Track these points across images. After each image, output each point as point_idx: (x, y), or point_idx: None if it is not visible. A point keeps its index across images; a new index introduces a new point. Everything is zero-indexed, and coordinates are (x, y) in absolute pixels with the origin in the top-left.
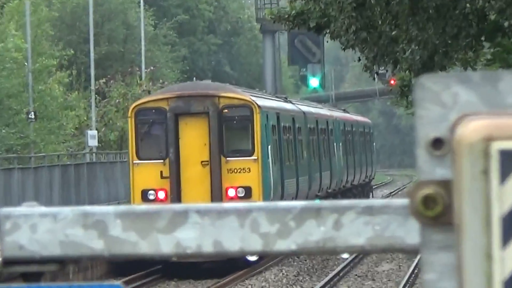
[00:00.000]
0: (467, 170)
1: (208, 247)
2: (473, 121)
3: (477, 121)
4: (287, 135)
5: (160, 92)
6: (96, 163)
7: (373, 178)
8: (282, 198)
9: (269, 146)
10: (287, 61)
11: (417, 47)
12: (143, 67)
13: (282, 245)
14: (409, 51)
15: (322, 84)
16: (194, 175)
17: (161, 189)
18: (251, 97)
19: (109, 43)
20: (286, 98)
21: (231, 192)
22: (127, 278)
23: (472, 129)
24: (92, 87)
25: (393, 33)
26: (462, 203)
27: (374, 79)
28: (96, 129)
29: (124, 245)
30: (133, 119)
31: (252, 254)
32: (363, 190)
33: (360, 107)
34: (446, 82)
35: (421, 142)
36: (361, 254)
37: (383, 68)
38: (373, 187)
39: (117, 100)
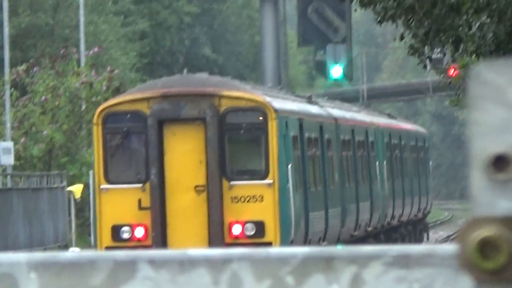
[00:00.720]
0: None
1: None
2: None
3: None
4: (313, 150)
5: (138, 89)
6: (12, 189)
7: (429, 212)
8: (306, 238)
9: (289, 166)
10: (296, 40)
11: (489, 20)
12: (82, 47)
13: None
14: (478, 25)
15: (348, 75)
16: (185, 205)
17: (139, 225)
18: (264, 96)
19: (31, 11)
20: (310, 98)
21: (237, 229)
22: None
23: None
24: (6, 77)
25: None
26: None
27: (425, 67)
28: (12, 140)
29: None
30: (100, 127)
31: None
32: (415, 229)
33: (405, 108)
34: None
35: (477, 160)
36: None
37: (438, 50)
38: (429, 226)
39: (44, 97)
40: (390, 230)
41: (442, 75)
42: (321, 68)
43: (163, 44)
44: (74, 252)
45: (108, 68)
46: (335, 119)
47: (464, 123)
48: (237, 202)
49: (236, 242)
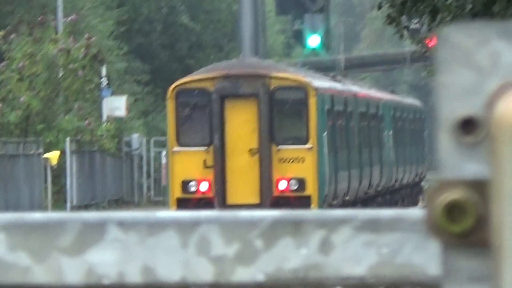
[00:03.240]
0: (510, 165)
1: (134, 276)
2: None
3: None
4: (340, 120)
5: (204, 70)
6: None
7: (425, 177)
8: (335, 194)
9: (324, 134)
10: (274, 9)
11: None
12: (59, 14)
13: (244, 274)
14: None
15: (326, 44)
16: (241, 164)
17: (204, 180)
18: (305, 77)
19: None
20: (334, 76)
21: (283, 185)
22: None
23: None
24: None
25: None
26: (504, 213)
27: (401, 37)
28: None
29: (11, 270)
30: (173, 101)
31: (199, 287)
32: (412, 192)
33: (382, 78)
34: (483, 34)
35: (445, 123)
36: None
37: (416, 20)
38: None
39: (21, 64)
40: (394, 191)
41: (419, 45)
42: (299, 38)
43: (141, 12)
44: (42, 214)
45: (86, 35)
46: (354, 94)
47: None
48: (284, 162)
49: (282, 195)
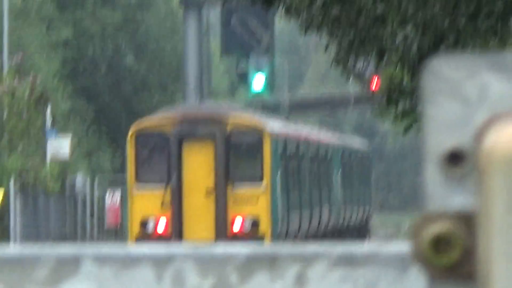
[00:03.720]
0: (501, 197)
1: None
2: (510, 125)
3: None
4: (293, 162)
5: (162, 113)
6: None
7: (371, 217)
8: (287, 233)
9: (278, 175)
10: (219, 49)
11: (414, 31)
12: (4, 54)
13: None
14: (402, 36)
15: (271, 84)
16: (198, 203)
17: (162, 216)
18: (261, 121)
19: None
20: (287, 118)
21: (238, 224)
22: None
23: (508, 136)
24: None
25: (379, 9)
26: (492, 246)
27: (348, 78)
28: None
29: None
30: (132, 143)
31: None
32: (360, 231)
33: (327, 120)
34: (471, 66)
35: (432, 155)
36: None
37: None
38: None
39: None
40: (343, 230)
41: (364, 87)
42: (244, 79)
43: (86, 52)
44: (15, 247)
45: (31, 75)
46: (306, 137)
47: (384, 135)
48: (239, 202)
49: (237, 235)
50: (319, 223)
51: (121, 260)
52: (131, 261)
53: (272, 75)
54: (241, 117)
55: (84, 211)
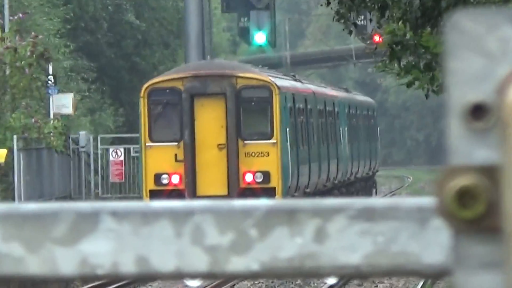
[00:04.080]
0: None
1: (128, 266)
2: None
3: None
4: (301, 117)
5: (174, 71)
6: None
7: (377, 171)
8: (297, 186)
9: (287, 129)
10: (220, 6)
11: None
12: (6, 13)
13: (239, 263)
14: None
15: (272, 41)
16: (210, 158)
17: (175, 173)
18: (270, 77)
19: None
20: (294, 76)
21: (249, 177)
22: None
23: None
24: None
25: None
26: None
27: (350, 33)
28: None
29: (4, 261)
30: (145, 100)
31: (194, 276)
32: (366, 185)
33: (328, 75)
34: (492, 20)
35: (455, 109)
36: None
37: (363, 17)
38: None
39: None
40: (350, 184)
41: (366, 42)
42: (245, 35)
43: (87, 10)
44: (35, 204)
45: (33, 34)
46: (313, 92)
47: (386, 91)
48: (249, 156)
49: (248, 187)
50: (327, 177)
51: (140, 216)
52: (150, 217)
53: (273, 32)
54: (251, 73)
55: (87, 168)
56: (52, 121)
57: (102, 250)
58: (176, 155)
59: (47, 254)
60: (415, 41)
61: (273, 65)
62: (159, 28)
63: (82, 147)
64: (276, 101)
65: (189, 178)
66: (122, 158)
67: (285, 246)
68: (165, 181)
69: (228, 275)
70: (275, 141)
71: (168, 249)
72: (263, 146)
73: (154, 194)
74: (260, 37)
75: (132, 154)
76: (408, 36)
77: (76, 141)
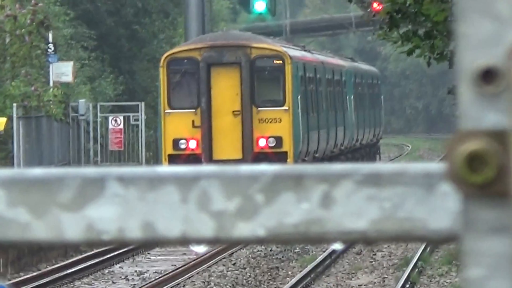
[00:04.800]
0: None
1: (134, 231)
2: None
3: None
4: (311, 85)
5: (192, 42)
6: None
7: (381, 138)
8: (307, 151)
9: (299, 97)
10: None
11: None
12: None
13: (245, 229)
14: None
15: (271, 9)
16: (226, 124)
17: (193, 138)
18: (282, 47)
19: None
20: (304, 47)
21: (262, 142)
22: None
23: None
24: None
25: None
26: None
27: (350, 1)
28: None
29: (10, 226)
30: (164, 69)
31: (199, 242)
32: (371, 150)
33: (328, 43)
34: None
35: (465, 74)
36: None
37: None
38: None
39: None
40: (355, 150)
41: (366, 10)
42: (245, 3)
43: None
44: (41, 169)
45: (32, 2)
46: (322, 62)
47: (385, 59)
48: (263, 122)
49: (262, 151)
50: (335, 143)
51: (146, 181)
52: (156, 182)
53: (273, 0)
54: (264, 43)
55: (87, 136)
56: (51, 89)
57: (108, 215)
58: (193, 121)
59: (53, 219)
60: (415, 9)
61: (273, 33)
62: None
63: (82, 115)
64: (288, 70)
65: (206, 143)
66: (121, 126)
67: (291, 212)
68: (183, 146)
69: (234, 241)
70: (287, 108)
71: (174, 214)
72: (276, 113)
73: (172, 158)
74: (260, 5)
75: (132, 122)
76: (408, 3)
77: (75, 109)
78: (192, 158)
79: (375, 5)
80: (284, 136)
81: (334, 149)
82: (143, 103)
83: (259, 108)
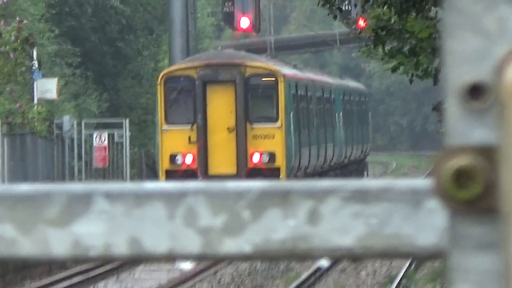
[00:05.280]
0: None
1: (120, 247)
2: None
3: None
4: (303, 103)
5: (188, 60)
6: None
7: (368, 154)
8: (299, 167)
9: (291, 114)
10: None
11: None
12: None
13: (231, 245)
14: None
15: (256, 26)
16: (221, 140)
17: (189, 153)
18: (275, 66)
19: None
20: (295, 65)
21: (256, 158)
22: None
23: None
24: None
25: None
26: None
27: (334, 18)
28: None
29: None
30: (162, 86)
31: (186, 258)
32: (359, 167)
33: (312, 59)
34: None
35: (452, 90)
36: (338, 264)
37: (347, 1)
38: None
39: None
40: (344, 166)
41: (351, 27)
42: (229, 20)
43: None
44: (28, 185)
45: (17, 19)
46: (313, 80)
47: (370, 76)
48: (257, 138)
49: (256, 167)
50: (325, 159)
51: (132, 197)
52: (143, 198)
53: (258, 17)
54: (258, 62)
55: (71, 154)
56: (36, 106)
57: (95, 231)
58: (189, 137)
59: (40, 236)
60: (400, 26)
61: (258, 49)
62: (143, 13)
63: (66, 132)
64: (281, 88)
65: (201, 158)
66: (105, 143)
67: (278, 228)
68: (179, 162)
69: (220, 257)
70: (280, 124)
71: (160, 230)
72: (269, 129)
73: (169, 174)
74: (244, 22)
75: (116, 139)
76: (392, 20)
77: (60, 126)
78: (189, 173)
79: (360, 22)
80: (277, 152)
81: (324, 165)
82: (127, 120)
83: (253, 125)
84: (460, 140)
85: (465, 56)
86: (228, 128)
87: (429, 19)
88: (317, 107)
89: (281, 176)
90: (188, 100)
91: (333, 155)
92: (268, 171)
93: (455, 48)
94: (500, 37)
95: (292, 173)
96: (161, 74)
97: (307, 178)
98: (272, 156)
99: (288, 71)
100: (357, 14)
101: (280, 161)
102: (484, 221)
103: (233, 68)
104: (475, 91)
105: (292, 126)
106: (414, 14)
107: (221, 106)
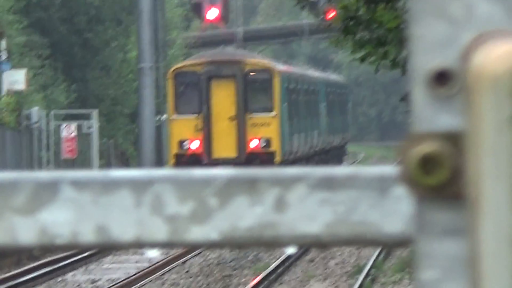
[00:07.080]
0: (488, 117)
1: (87, 235)
2: (497, 44)
3: (503, 45)
4: (294, 95)
5: (195, 57)
6: None
7: (348, 141)
8: (290, 151)
9: (285, 105)
10: None
11: None
12: None
13: (198, 233)
14: None
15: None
16: (223, 128)
17: (195, 139)
18: (271, 63)
19: None
20: (286, 62)
21: (254, 143)
22: None
23: (496, 55)
24: None
25: None
26: (480, 165)
27: (302, 9)
28: None
29: None
30: (172, 80)
31: (153, 246)
32: (339, 152)
33: (280, 50)
34: None
35: (418, 76)
36: (311, 249)
37: None
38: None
39: None
40: (327, 151)
41: (321, 17)
42: (198, 10)
43: None
44: None
45: None
46: (301, 74)
47: (338, 66)
48: (255, 126)
49: (254, 151)
50: (311, 144)
51: (99, 185)
52: (109, 186)
53: (226, 8)
54: (256, 59)
55: (40, 144)
56: (4, 97)
57: (62, 219)
58: (196, 125)
59: (6, 224)
60: (369, 16)
61: (226, 41)
62: (111, 4)
63: (35, 123)
64: (277, 82)
65: (206, 143)
66: (74, 134)
67: (245, 216)
68: (186, 147)
69: (187, 244)
70: (275, 114)
71: (127, 218)
72: (266, 118)
73: (178, 157)
74: (212, 13)
75: (84, 130)
76: (361, 11)
77: (28, 117)
78: (195, 157)
79: (329, 13)
80: (272, 138)
81: (310, 150)
82: (96, 111)
83: (252, 114)
84: (427, 127)
85: (431, 43)
86: (229, 117)
87: (397, 9)
88: (305, 99)
89: (276, 159)
90: (195, 93)
91: (318, 141)
92: (265, 155)
93: (422, 34)
94: (466, 23)
95: (286, 157)
96: (171, 70)
97: (298, 162)
98: (268, 142)
99: (282, 67)
100: (323, 4)
101: (275, 146)
102: (451, 207)
103: (234, 64)
104: (442, 78)
105: (285, 115)
106: (383, 4)
107: (223, 98)
